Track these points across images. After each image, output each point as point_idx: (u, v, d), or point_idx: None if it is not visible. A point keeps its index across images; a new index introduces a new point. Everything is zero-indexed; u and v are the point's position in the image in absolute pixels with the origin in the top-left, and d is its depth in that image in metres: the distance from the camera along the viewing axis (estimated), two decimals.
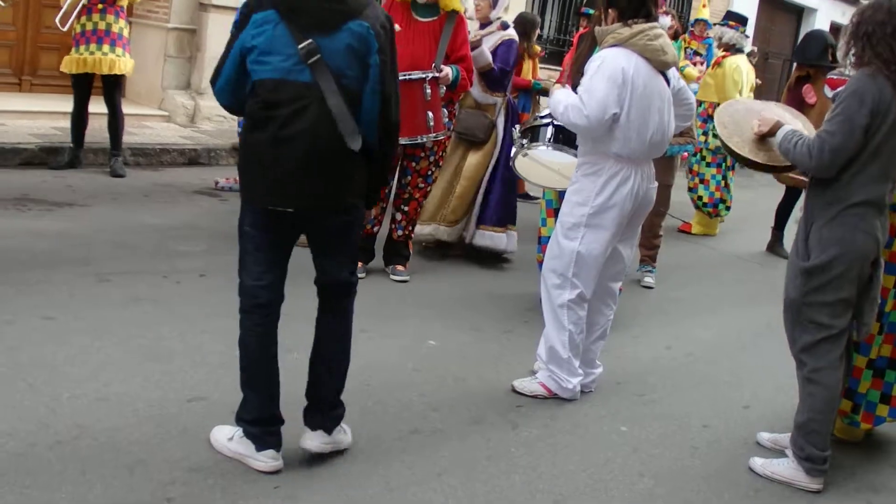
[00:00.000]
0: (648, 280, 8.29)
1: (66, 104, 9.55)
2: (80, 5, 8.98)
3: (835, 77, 5.12)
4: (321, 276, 4.35)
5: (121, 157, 9.59)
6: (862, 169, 4.51)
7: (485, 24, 7.98)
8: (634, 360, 6.25)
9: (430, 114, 6.88)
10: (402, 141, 6.79)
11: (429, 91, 6.84)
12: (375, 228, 7.24)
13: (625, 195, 5.20)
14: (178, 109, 12.30)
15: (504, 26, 8.01)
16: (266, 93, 3.95)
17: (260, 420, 4.24)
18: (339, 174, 4.01)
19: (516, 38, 8.15)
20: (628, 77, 5.07)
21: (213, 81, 4.15)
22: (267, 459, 4.20)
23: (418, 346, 5.91)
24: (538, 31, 9.95)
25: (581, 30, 10.86)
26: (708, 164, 10.96)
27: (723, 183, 10.96)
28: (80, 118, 9.45)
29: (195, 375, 4.98)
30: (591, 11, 10.28)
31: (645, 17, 5.19)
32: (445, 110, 7.10)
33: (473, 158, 7.98)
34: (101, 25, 9.16)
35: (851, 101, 4.47)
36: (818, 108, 8.86)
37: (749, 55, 19.23)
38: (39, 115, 10.73)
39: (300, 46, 3.88)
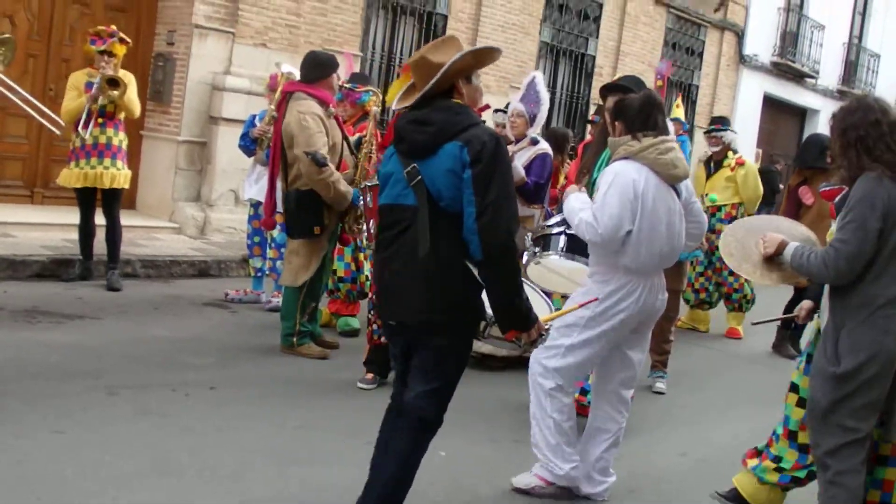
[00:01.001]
0: (660, 386, 8.24)
1: (77, 217, 9.62)
2: (87, 110, 9.10)
3: (828, 188, 5.08)
4: (407, 395, 4.44)
5: (117, 270, 9.60)
6: (883, 270, 4.47)
7: (519, 139, 8.08)
8: (648, 467, 6.19)
9: None
10: None
11: None
12: (384, 339, 7.24)
13: (627, 306, 5.27)
14: (188, 221, 12.40)
15: (534, 142, 8.10)
16: (382, 217, 4.39)
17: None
18: (436, 291, 4.17)
19: (550, 152, 8.23)
20: (639, 192, 5.12)
21: None
22: None
23: (429, 456, 5.85)
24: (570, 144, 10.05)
25: (586, 139, 10.96)
26: None
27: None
28: (86, 231, 9.54)
29: (204, 489, 4.93)
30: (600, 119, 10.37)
31: (653, 130, 5.25)
32: None
33: None
34: (102, 139, 9.25)
35: (862, 207, 4.43)
36: (815, 210, 9.04)
37: (776, 162, 19.42)
38: (51, 228, 10.84)
39: (405, 171, 4.19)
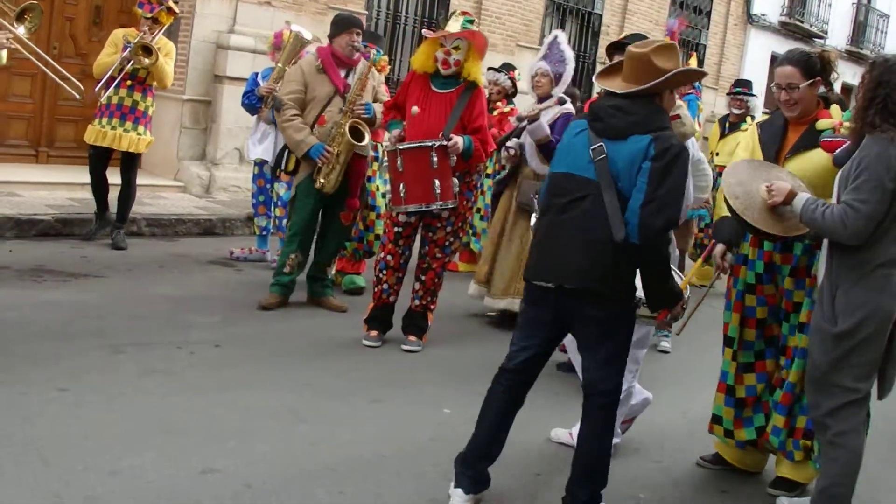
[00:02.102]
0: (665, 345, 8.25)
1: (83, 175, 9.63)
2: (107, 76, 9.07)
3: (829, 139, 4.94)
4: (583, 375, 4.63)
5: (123, 229, 9.62)
6: (885, 232, 4.43)
7: (543, 99, 7.94)
8: (651, 425, 6.17)
9: (437, 182, 6.84)
10: (410, 208, 6.84)
11: (435, 159, 6.82)
12: (392, 298, 7.25)
13: None
14: (193, 180, 12.39)
15: (561, 101, 7.99)
16: (555, 183, 4.53)
17: (465, 459, 4.68)
18: (602, 261, 4.31)
19: (574, 112, 8.10)
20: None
21: None
22: (454, 496, 4.62)
23: (434, 414, 5.87)
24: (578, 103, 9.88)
25: (593, 97, 10.89)
26: None
27: None
28: (99, 186, 9.54)
29: (208, 447, 4.93)
30: None
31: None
32: (456, 180, 7.02)
33: None
34: (128, 101, 9.25)
35: (878, 167, 4.36)
36: None
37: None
38: (56, 187, 10.84)
39: (592, 147, 4.38)
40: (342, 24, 7.75)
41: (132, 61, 9.02)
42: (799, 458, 5.20)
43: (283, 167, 8.14)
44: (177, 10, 9.49)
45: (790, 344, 5.19)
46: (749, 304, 5.31)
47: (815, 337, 4.68)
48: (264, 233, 9.59)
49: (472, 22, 7.13)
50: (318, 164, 7.58)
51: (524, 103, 8.76)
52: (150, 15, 9.15)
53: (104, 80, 9.04)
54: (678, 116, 5.99)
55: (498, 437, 4.68)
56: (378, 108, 7.70)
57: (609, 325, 4.44)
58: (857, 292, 4.47)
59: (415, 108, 7.12)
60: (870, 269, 4.46)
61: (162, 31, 9.28)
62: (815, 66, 5.04)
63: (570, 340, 5.29)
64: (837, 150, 4.79)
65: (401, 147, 6.93)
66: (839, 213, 4.42)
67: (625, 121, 4.36)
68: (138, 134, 9.30)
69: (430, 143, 6.84)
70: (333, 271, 8.62)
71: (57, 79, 8.29)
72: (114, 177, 9.54)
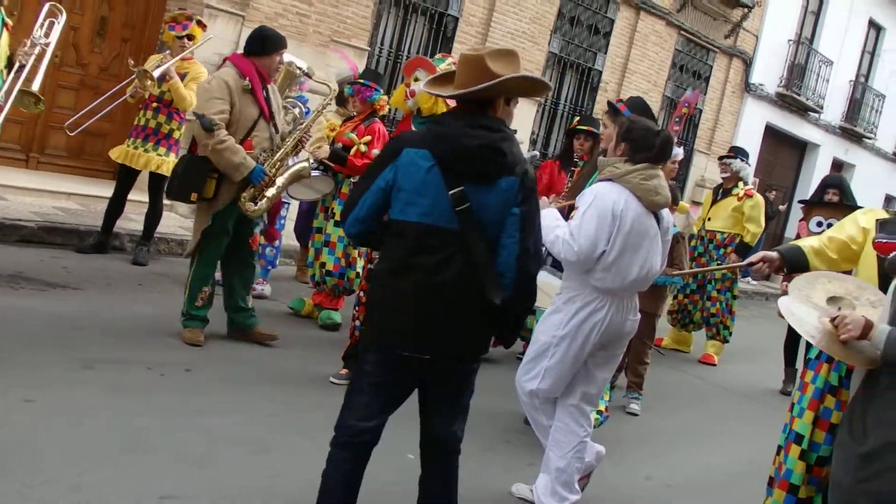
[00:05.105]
0: (634, 407, 8.26)
1: (70, 185, 9.63)
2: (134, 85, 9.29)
3: (885, 240, 4.69)
4: (428, 431, 4.41)
5: (147, 247, 9.86)
6: None
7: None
8: (613, 488, 6.19)
9: None
10: None
11: None
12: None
13: (592, 325, 5.31)
14: None
15: None
16: (416, 237, 3.99)
17: None
18: (476, 324, 4.11)
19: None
20: (617, 213, 5.16)
21: (346, 213, 4.13)
22: None
23: (397, 458, 5.84)
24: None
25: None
26: (718, 291, 11.25)
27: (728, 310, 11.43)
28: (115, 205, 9.73)
29: (170, 472, 4.93)
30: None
31: (654, 162, 5.29)
32: None
33: None
34: (152, 123, 9.52)
35: None
36: None
37: (770, 191, 19.60)
38: (42, 194, 10.80)
39: (451, 193, 3.93)
40: (271, 44, 7.30)
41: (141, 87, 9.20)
42: None
43: (199, 192, 7.20)
44: (205, 22, 9.83)
45: None
46: (826, 406, 4.93)
47: (840, 453, 4.29)
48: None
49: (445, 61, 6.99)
50: (250, 188, 7.22)
51: None
52: (183, 33, 9.43)
53: (161, 69, 9.18)
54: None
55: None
56: None
57: (468, 378, 4.32)
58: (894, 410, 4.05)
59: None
60: None
61: (197, 46, 9.56)
62: None
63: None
64: (892, 254, 4.47)
65: None
66: None
67: (499, 165, 4.01)
68: (159, 155, 9.52)
69: None
70: (312, 303, 8.59)
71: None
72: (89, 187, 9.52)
